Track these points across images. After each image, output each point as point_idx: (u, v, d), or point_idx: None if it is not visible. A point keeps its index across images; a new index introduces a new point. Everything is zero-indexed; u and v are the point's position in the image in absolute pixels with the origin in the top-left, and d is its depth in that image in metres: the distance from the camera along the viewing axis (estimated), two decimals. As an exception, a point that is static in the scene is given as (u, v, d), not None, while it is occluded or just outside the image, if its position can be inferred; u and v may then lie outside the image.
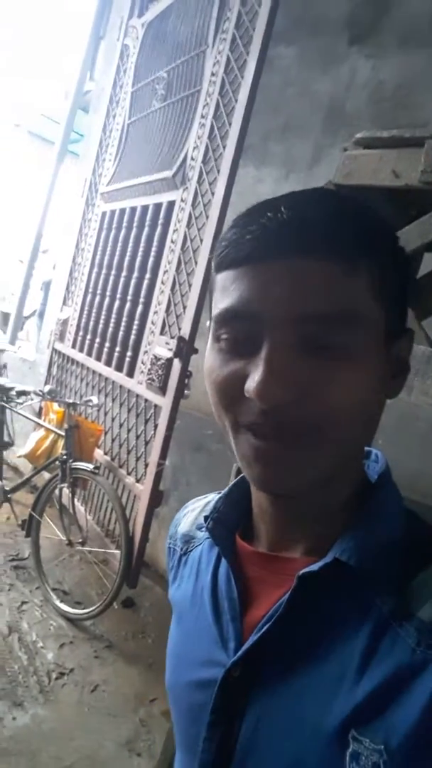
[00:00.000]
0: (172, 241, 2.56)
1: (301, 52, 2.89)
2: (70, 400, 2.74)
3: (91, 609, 2.47)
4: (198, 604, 0.54)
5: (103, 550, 2.66)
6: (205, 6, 2.65)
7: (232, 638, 0.48)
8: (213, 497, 0.60)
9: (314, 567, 0.43)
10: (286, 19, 2.48)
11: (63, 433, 2.71)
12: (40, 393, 2.91)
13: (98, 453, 2.82)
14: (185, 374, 2.34)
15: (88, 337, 3.26)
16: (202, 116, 2.51)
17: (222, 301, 0.43)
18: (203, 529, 0.57)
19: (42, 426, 2.96)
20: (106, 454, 2.85)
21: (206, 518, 0.55)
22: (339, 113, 2.69)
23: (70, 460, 2.63)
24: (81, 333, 3.37)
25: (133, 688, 2.22)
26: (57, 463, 2.71)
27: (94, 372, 3.14)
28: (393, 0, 2.54)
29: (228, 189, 2.27)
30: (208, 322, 0.47)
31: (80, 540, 2.68)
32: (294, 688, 0.43)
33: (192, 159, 2.53)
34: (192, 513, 0.65)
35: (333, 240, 0.40)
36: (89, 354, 3.21)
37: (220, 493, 0.58)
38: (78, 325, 3.42)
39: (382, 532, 0.45)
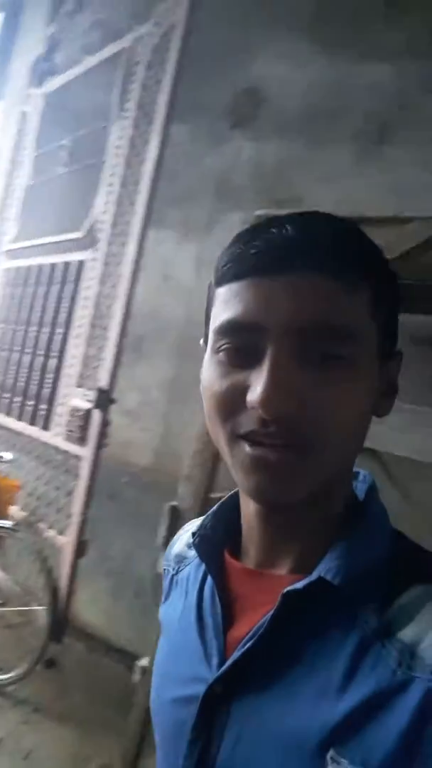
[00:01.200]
0: (85, 297, 2.70)
1: (193, 130, 3.25)
2: (-17, 457, 2.69)
3: (13, 674, 2.38)
4: (185, 622, 0.54)
5: (26, 608, 2.59)
6: (107, 83, 2.92)
7: (215, 654, 0.48)
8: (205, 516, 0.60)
9: (299, 585, 0.43)
10: (179, 101, 2.82)
11: (-25, 492, 2.64)
12: None
13: (13, 509, 2.77)
14: (105, 424, 2.44)
15: (-5, 392, 3.22)
16: (110, 184, 2.73)
17: (224, 313, 0.44)
18: (191, 546, 0.57)
19: None
20: (22, 509, 2.80)
21: (193, 534, 0.55)
22: (228, 185, 3.06)
23: (-15, 520, 2.56)
24: (-14, 389, 3.32)
25: (66, 750, 2.16)
26: (-31, 523, 2.62)
27: (3, 427, 3.10)
28: (267, 94, 2.99)
29: (139, 249, 2.48)
30: (201, 340, 0.48)
31: (1, 602, 2.58)
32: (275, 705, 0.43)
33: (100, 222, 2.72)
34: (186, 533, 0.64)
35: (337, 258, 0.41)
36: (-3, 410, 3.17)
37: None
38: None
39: (368, 551, 0.45)
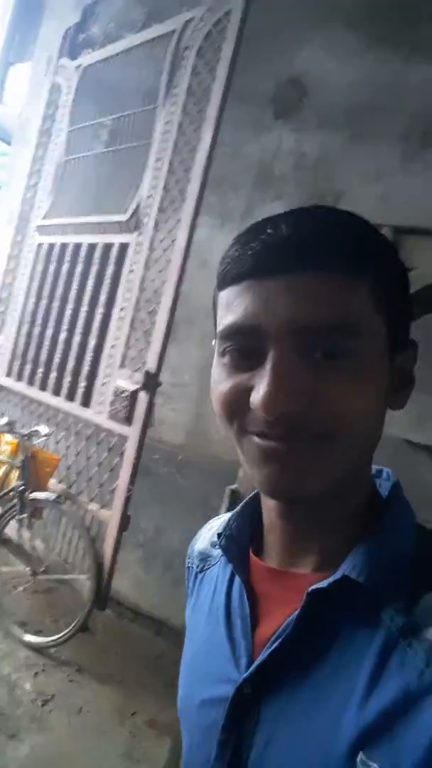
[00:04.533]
0: (129, 280, 2.76)
1: (234, 118, 3.27)
2: (25, 431, 2.77)
3: (58, 636, 2.53)
4: (213, 622, 0.54)
5: (67, 576, 2.72)
6: (152, 64, 2.92)
7: (243, 655, 0.49)
8: (229, 515, 0.59)
9: (323, 584, 0.43)
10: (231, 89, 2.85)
11: (18, 464, 2.73)
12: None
13: (52, 482, 2.87)
14: (152, 405, 2.54)
15: (28, 366, 3.28)
16: (156, 168, 2.77)
17: (226, 316, 0.44)
18: (218, 546, 0.57)
19: (-12, 458, 2.93)
20: (60, 482, 2.91)
21: (219, 535, 0.56)
22: (267, 175, 3.12)
23: (28, 491, 2.66)
24: (18, 362, 3.37)
25: (112, 705, 2.34)
26: (11, 494, 2.72)
27: (38, 402, 3.17)
28: (311, 86, 3.04)
29: (189, 237, 2.55)
30: (213, 341, 0.49)
31: (42, 569, 2.71)
32: (304, 706, 0.43)
33: (146, 206, 2.77)
34: (209, 532, 0.65)
35: (332, 254, 0.41)
36: (30, 383, 3.23)
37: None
38: (14, 354, 3.41)
39: (393, 548, 0.45)
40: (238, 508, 0.57)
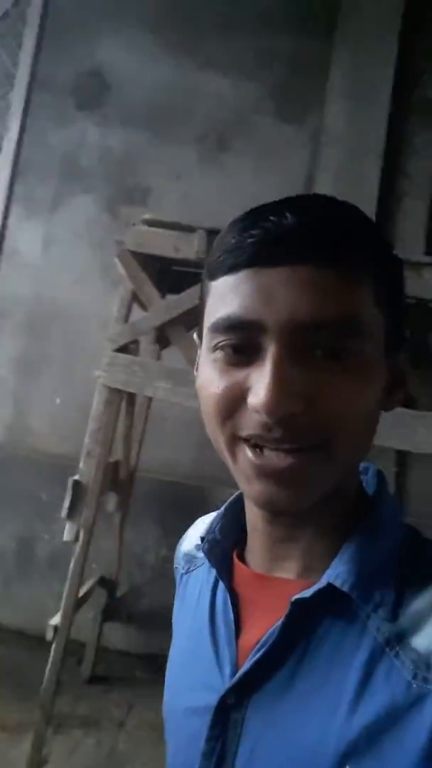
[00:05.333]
0: None
1: (35, 102, 3.15)
2: None
3: None
4: (198, 626, 0.53)
5: None
6: None
7: (227, 663, 0.47)
8: (213, 516, 0.57)
9: (307, 594, 0.42)
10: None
11: None
12: None
13: None
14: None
15: None
16: None
17: (220, 308, 0.41)
18: (201, 549, 0.55)
19: None
20: None
21: (202, 539, 0.53)
22: (74, 166, 3.08)
23: None
24: None
25: None
26: None
27: None
28: (113, 81, 3.08)
29: (2, 228, 2.42)
30: (194, 335, 0.45)
31: None
32: (289, 716, 0.42)
33: None
34: (195, 532, 0.62)
35: (338, 247, 0.39)
36: None
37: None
38: None
39: (379, 552, 0.43)
40: (221, 509, 0.55)
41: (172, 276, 2.01)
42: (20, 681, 2.08)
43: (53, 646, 1.67)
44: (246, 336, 0.40)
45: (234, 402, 0.41)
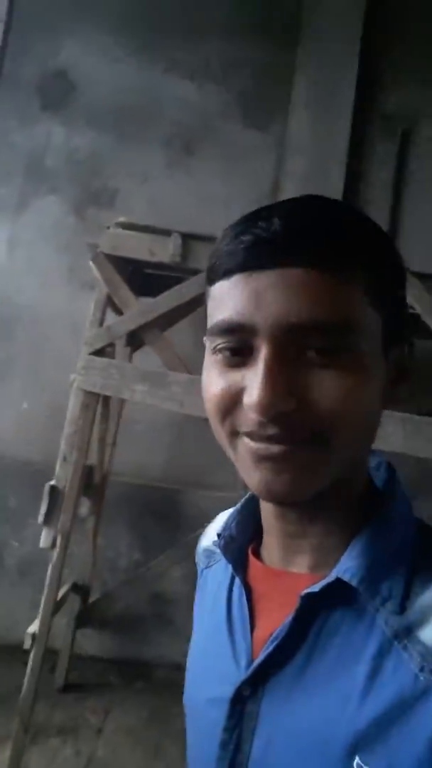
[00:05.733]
0: None
1: (-2, 101, 3.08)
2: None
3: None
4: (215, 619, 0.54)
5: None
6: None
7: (243, 656, 0.49)
8: (230, 512, 0.59)
9: (316, 588, 0.43)
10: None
11: None
12: None
13: None
14: None
15: None
16: None
17: (216, 313, 0.43)
18: (218, 546, 0.56)
19: None
20: None
21: (219, 535, 0.55)
22: (39, 167, 3.03)
23: None
24: None
25: None
26: None
27: None
28: (79, 82, 3.05)
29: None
30: (204, 338, 0.47)
31: None
32: (302, 707, 0.43)
33: None
34: (214, 529, 0.64)
35: (326, 249, 0.40)
36: None
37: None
38: None
39: (388, 547, 0.44)
40: (237, 505, 0.57)
41: (144, 279, 2.02)
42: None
43: (32, 654, 1.64)
44: (241, 338, 0.42)
45: (232, 401, 0.42)
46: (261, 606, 0.50)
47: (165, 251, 1.79)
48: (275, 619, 0.46)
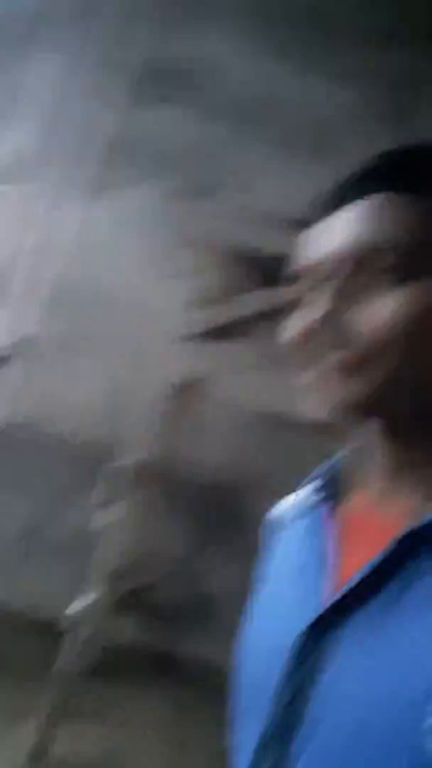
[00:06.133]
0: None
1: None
2: None
3: None
4: (286, 572, 0.54)
5: None
6: None
7: (313, 597, 0.47)
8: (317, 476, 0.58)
9: (415, 525, 0.41)
10: None
11: None
12: None
13: None
14: None
15: None
16: None
17: (301, 253, 0.48)
18: (315, 493, 0.55)
19: None
20: None
21: (323, 475, 0.55)
22: (141, 153, 2.99)
23: None
24: None
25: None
26: None
27: None
28: (197, 72, 3.03)
29: None
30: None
31: None
32: (374, 652, 0.41)
33: None
34: (286, 502, 0.64)
35: (408, 176, 0.43)
36: None
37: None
38: None
39: None
40: (345, 450, 0.57)
41: (251, 271, 1.95)
42: (25, 666, 2.03)
43: (70, 634, 1.61)
44: (316, 270, 0.46)
45: (306, 332, 0.46)
46: (351, 548, 0.48)
47: (276, 244, 1.71)
48: (365, 557, 0.44)
